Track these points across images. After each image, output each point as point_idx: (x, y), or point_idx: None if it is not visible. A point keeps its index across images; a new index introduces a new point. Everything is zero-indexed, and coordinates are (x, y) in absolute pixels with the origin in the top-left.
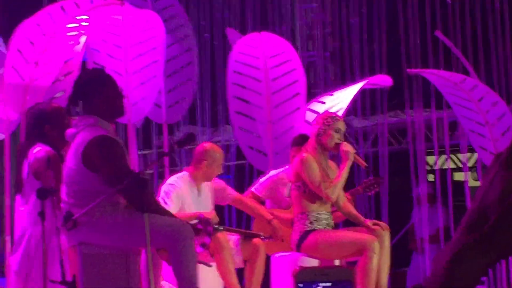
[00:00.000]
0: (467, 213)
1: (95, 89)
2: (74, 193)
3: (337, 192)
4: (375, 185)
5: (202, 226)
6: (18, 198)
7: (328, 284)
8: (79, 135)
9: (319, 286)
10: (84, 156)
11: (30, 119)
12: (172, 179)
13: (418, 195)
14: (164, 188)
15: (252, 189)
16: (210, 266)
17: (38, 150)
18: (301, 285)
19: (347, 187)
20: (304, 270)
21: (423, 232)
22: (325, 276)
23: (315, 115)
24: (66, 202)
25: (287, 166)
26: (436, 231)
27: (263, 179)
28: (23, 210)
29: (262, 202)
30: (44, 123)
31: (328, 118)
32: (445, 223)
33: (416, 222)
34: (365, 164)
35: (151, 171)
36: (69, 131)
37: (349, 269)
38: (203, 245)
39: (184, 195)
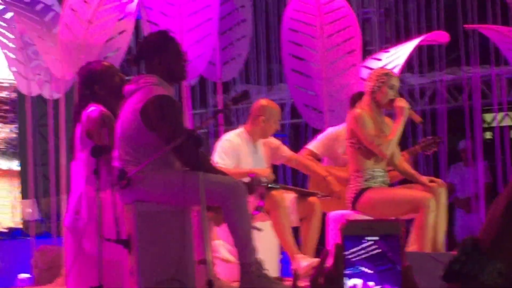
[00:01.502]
0: None
1: (157, 50)
2: (129, 149)
3: (391, 148)
4: (434, 145)
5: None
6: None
7: (376, 238)
8: (138, 92)
9: (366, 240)
10: (142, 114)
11: (81, 80)
12: (229, 135)
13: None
14: (220, 143)
15: (309, 146)
16: (261, 230)
17: (92, 110)
18: (348, 238)
19: (405, 146)
20: (351, 223)
21: (470, 190)
22: (372, 230)
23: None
24: (120, 159)
25: (344, 124)
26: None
27: (320, 136)
28: (76, 169)
29: (319, 160)
30: (93, 83)
31: (382, 74)
32: (488, 180)
33: (457, 180)
34: (420, 119)
35: (205, 130)
36: (128, 87)
37: (397, 223)
38: (258, 209)
39: (240, 151)
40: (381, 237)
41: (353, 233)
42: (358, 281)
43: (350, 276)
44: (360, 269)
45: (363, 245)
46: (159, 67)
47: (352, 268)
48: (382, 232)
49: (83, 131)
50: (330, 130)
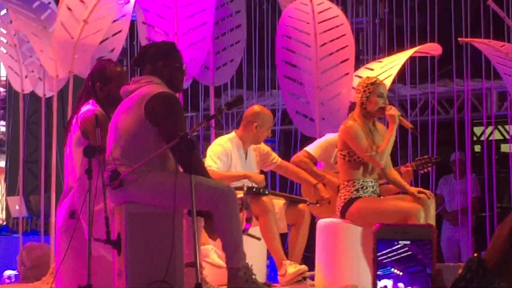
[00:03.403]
0: None
1: (164, 55)
2: (123, 149)
3: (385, 158)
4: (429, 164)
5: (242, 207)
6: (65, 150)
7: (408, 242)
8: (141, 89)
9: (399, 243)
10: (147, 108)
11: (90, 72)
12: (220, 140)
13: (453, 164)
14: (212, 147)
15: (308, 148)
16: (259, 239)
17: (87, 110)
18: (381, 242)
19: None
20: (385, 227)
21: (457, 203)
22: (405, 234)
23: None
24: (113, 159)
25: None
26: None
27: (319, 140)
28: (70, 164)
29: (315, 163)
30: (98, 81)
31: (369, 84)
32: (477, 194)
33: (446, 193)
34: (410, 125)
35: (197, 133)
36: (127, 87)
37: (431, 228)
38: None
39: (232, 156)
40: (413, 241)
41: (386, 237)
42: (388, 282)
43: (381, 277)
44: (391, 271)
45: (395, 247)
46: (162, 71)
47: (383, 269)
48: (415, 237)
49: (79, 129)
50: (329, 136)
